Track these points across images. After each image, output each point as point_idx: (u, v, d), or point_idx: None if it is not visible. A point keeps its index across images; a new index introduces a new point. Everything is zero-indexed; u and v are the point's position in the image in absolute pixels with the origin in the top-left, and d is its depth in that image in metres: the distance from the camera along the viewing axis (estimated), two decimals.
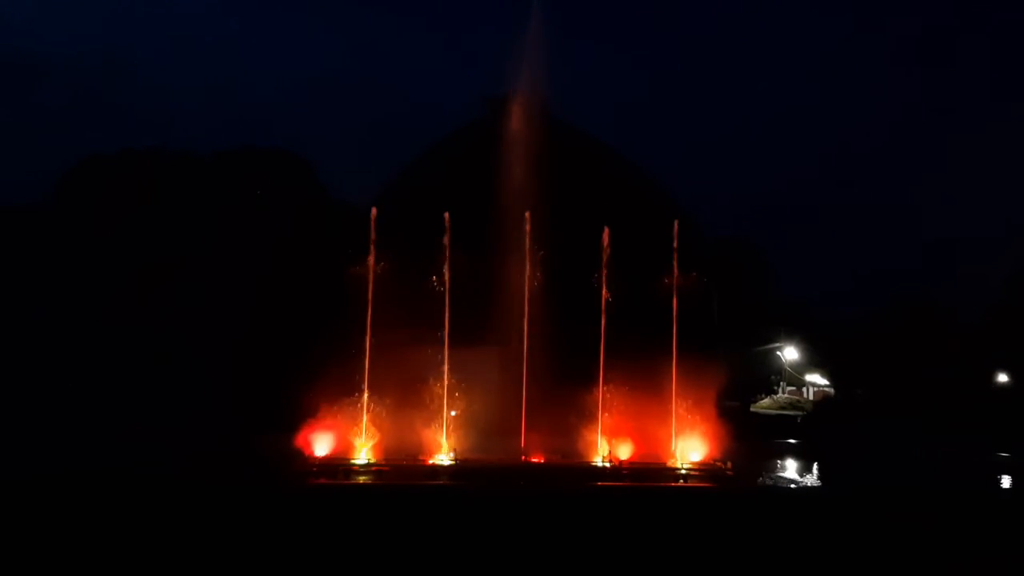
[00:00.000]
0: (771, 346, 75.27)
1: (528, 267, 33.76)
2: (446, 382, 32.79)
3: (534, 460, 31.29)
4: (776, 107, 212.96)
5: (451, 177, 36.10)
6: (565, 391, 32.35)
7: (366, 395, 31.99)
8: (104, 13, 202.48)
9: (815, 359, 78.64)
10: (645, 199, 46.04)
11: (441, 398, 32.46)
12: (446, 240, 33.33)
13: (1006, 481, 32.34)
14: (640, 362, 32.67)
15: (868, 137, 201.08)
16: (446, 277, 33.31)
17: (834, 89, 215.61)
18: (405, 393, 32.77)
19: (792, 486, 31.82)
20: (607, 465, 31.16)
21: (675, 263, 33.83)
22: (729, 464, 31.09)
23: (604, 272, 33.61)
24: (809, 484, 32.27)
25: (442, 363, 33.05)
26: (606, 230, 33.85)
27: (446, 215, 33.28)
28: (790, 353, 78.65)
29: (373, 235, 33.58)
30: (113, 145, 66.67)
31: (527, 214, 34.21)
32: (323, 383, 32.34)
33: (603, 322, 33.17)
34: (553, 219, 34.80)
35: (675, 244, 34.21)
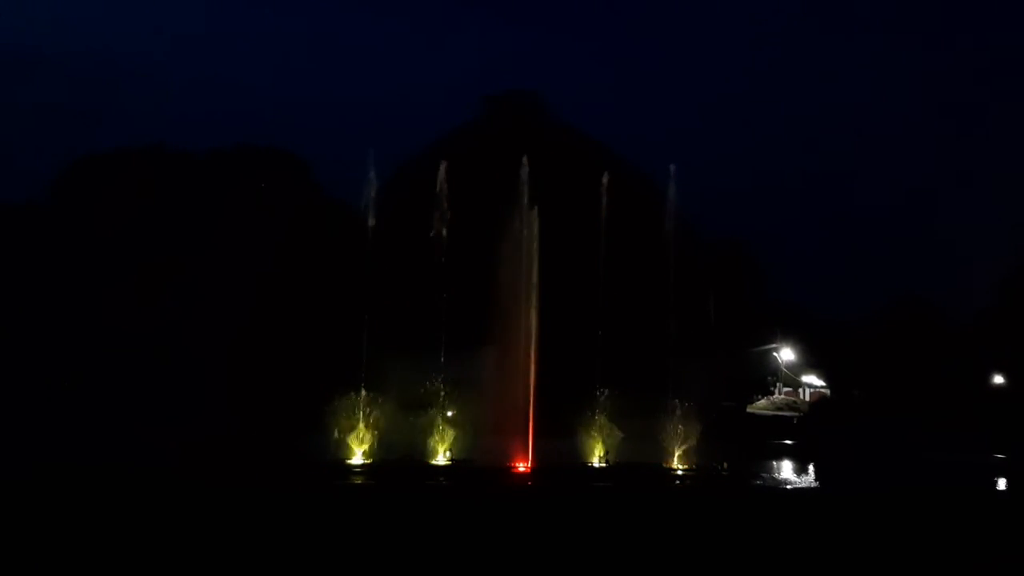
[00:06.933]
0: (767, 347, 75.38)
1: (529, 266, 33.74)
2: (443, 382, 32.79)
3: (530, 461, 31.30)
4: (775, 108, 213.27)
5: (448, 176, 36.08)
6: (562, 392, 32.35)
7: (363, 395, 31.97)
8: (102, 13, 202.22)
9: (811, 360, 78.80)
10: (642, 199, 46.10)
11: (438, 398, 32.45)
12: (443, 238, 33.39)
13: (1001, 483, 32.45)
14: (637, 362, 32.71)
15: (866, 138, 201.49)
16: (443, 276, 33.35)
17: (833, 90, 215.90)
18: (402, 393, 32.75)
19: (788, 487, 31.86)
20: (604, 466, 31.18)
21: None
22: (725, 465, 31.12)
23: (602, 272, 33.65)
24: (805, 485, 32.30)
25: (440, 363, 33.03)
26: (604, 229, 33.91)
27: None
28: (786, 354, 78.79)
29: (370, 235, 33.60)
30: (110, 143, 66.75)
31: (529, 213, 34.16)
32: (320, 382, 32.32)
33: (601, 323, 33.20)
34: (551, 218, 34.81)
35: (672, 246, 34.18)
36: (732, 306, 58.56)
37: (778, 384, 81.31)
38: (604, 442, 31.95)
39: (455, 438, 31.81)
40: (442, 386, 32.79)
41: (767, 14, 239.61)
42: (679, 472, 30.71)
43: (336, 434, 31.56)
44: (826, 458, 40.66)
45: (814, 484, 32.83)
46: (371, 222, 33.78)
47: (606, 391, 32.79)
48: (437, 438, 31.67)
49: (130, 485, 23.92)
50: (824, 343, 75.06)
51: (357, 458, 30.93)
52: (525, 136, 36.19)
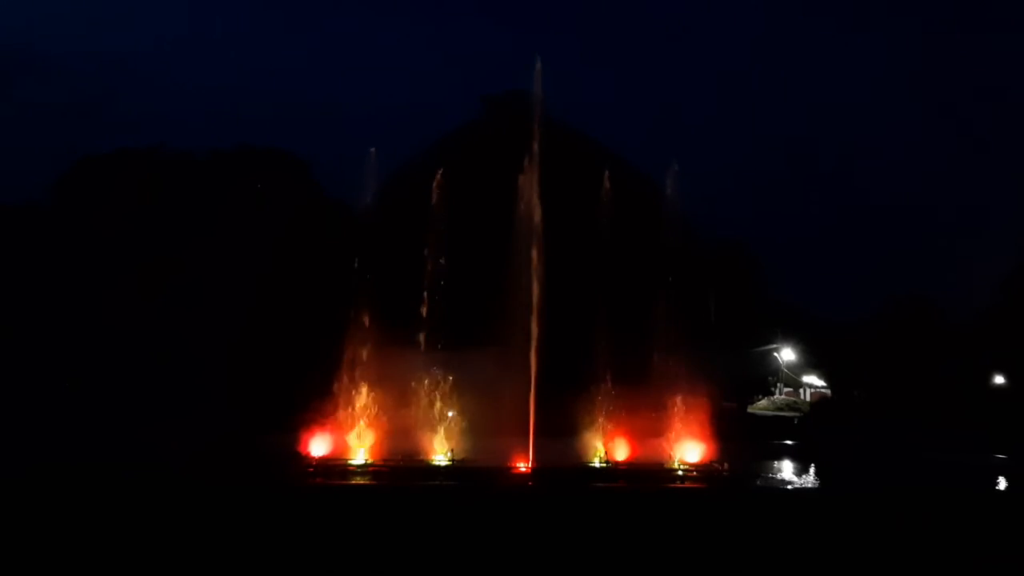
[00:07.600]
0: (768, 347, 75.35)
1: (530, 265, 33.72)
2: (444, 383, 32.78)
3: (531, 461, 31.28)
4: (775, 108, 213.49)
5: (449, 177, 36.10)
6: (562, 392, 32.35)
7: (364, 395, 31.96)
8: (103, 13, 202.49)
9: (812, 360, 78.75)
10: (642, 198, 46.03)
11: (439, 398, 32.45)
12: (443, 237, 33.41)
13: (1002, 483, 32.41)
14: (637, 362, 32.66)
15: (867, 138, 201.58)
16: (444, 276, 33.36)
17: (833, 91, 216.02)
18: (403, 393, 32.74)
19: (788, 487, 31.84)
20: (604, 466, 31.16)
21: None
22: (726, 465, 31.09)
23: (603, 272, 33.63)
24: (805, 485, 32.28)
25: (440, 363, 33.00)
26: (605, 229, 33.91)
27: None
28: (787, 354, 78.75)
29: (370, 234, 33.62)
30: (111, 144, 66.72)
31: (531, 212, 34.11)
32: (321, 383, 32.32)
33: (602, 323, 33.19)
34: (551, 219, 34.78)
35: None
36: (733, 306, 58.56)
37: (779, 384, 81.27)
38: (605, 442, 31.96)
39: (455, 438, 31.83)
40: (442, 386, 32.78)
41: (766, 14, 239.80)
42: (679, 472, 30.70)
43: (337, 434, 31.59)
44: (827, 458, 40.59)
45: (815, 484, 32.78)
46: (371, 222, 33.80)
47: (606, 391, 32.77)
48: (437, 438, 31.69)
49: (129, 485, 23.90)
50: (825, 343, 74.97)
51: (358, 458, 30.94)
52: (524, 136, 36.07)
